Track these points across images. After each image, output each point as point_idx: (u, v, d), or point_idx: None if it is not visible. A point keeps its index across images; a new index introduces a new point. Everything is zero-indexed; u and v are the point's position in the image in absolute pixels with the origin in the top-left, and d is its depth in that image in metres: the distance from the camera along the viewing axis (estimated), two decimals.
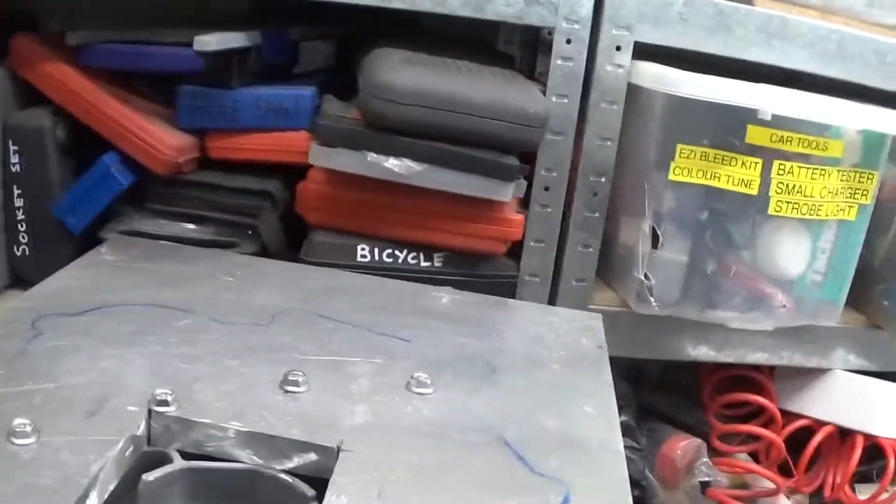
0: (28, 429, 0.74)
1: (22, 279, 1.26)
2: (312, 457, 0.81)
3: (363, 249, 1.24)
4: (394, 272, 1.24)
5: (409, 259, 1.26)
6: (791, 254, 1.28)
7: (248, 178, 1.30)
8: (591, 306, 1.34)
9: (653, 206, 1.25)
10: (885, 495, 1.46)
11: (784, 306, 1.30)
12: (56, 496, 0.68)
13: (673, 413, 1.59)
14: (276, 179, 1.31)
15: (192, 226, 1.28)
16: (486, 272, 1.28)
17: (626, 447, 1.30)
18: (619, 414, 1.23)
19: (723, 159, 1.21)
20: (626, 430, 1.36)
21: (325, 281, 1.15)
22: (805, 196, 1.23)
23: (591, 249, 1.32)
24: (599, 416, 0.92)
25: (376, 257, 1.25)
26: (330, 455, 0.80)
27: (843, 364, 1.44)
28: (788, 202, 1.22)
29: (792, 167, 1.22)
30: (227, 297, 1.05)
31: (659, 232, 1.25)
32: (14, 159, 1.22)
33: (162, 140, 1.22)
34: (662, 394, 1.60)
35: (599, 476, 0.82)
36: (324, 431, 0.82)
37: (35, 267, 1.24)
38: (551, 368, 1.00)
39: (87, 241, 1.23)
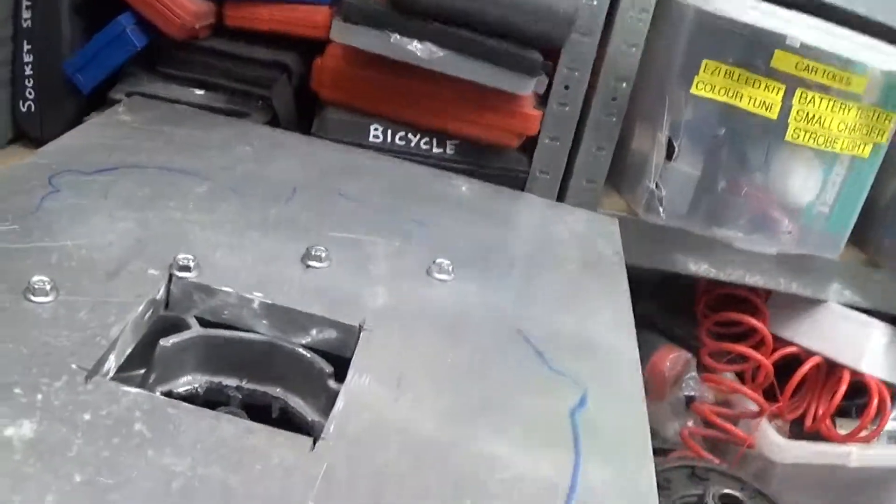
0: (47, 286, 0.70)
1: (25, 135, 1.21)
2: (332, 334, 0.77)
3: (376, 130, 1.20)
4: (405, 155, 1.20)
5: (421, 144, 1.22)
6: (802, 182, 1.25)
7: (263, 48, 1.25)
8: (599, 210, 1.30)
9: (671, 118, 1.21)
10: (864, 433, 1.44)
11: (789, 232, 1.27)
12: (73, 357, 0.65)
13: (666, 325, 1.56)
14: (293, 52, 1.25)
15: (202, 92, 1.22)
16: (497, 164, 1.24)
17: None
18: None
19: (746, 80, 1.17)
20: None
21: (342, 158, 1.11)
22: (823, 127, 1.19)
23: (604, 152, 1.28)
24: (616, 324, 0.89)
25: (388, 139, 1.20)
26: (351, 333, 0.77)
27: (838, 297, 1.42)
28: (806, 131, 1.19)
29: (813, 97, 1.18)
30: (245, 168, 1.00)
31: (675, 143, 1.21)
32: (26, 14, 1.16)
33: (180, 4, 1.16)
34: (656, 303, 1.57)
35: (616, 383, 0.80)
36: (345, 309, 0.78)
37: (39, 123, 1.20)
38: (568, 270, 0.96)
39: (94, 100, 1.18)
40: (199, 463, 0.59)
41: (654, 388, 1.45)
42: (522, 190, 1.25)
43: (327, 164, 1.07)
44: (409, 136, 1.21)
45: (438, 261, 0.88)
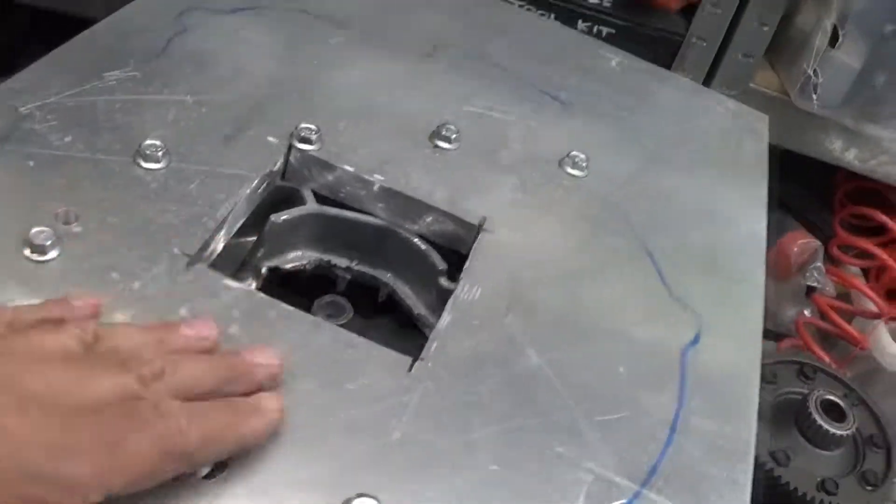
0: (159, 152, 0.65)
1: None
2: (450, 228, 0.72)
3: None
4: (560, 2, 1.14)
5: None
6: None
7: None
8: (751, 85, 1.22)
9: (840, 5, 1.11)
10: None
11: None
12: (177, 239, 0.60)
13: (800, 207, 1.47)
14: None
15: None
16: (653, 24, 1.17)
17: None
18: None
19: None
20: None
21: (491, 13, 1.02)
22: None
23: (766, 28, 1.18)
24: (749, 241, 0.82)
25: None
26: (470, 231, 0.72)
27: None
28: None
29: None
30: (387, 17, 0.93)
31: (840, 31, 1.11)
32: None
33: None
34: (794, 184, 1.48)
35: (734, 312, 0.73)
36: (468, 202, 0.73)
37: None
38: (708, 172, 0.88)
39: None
40: (291, 375, 0.55)
41: (778, 270, 1.37)
42: (675, 55, 1.18)
43: (475, 18, 0.99)
44: None
45: (573, 153, 0.81)
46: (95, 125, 0.67)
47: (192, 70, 0.75)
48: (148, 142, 0.65)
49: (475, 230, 0.71)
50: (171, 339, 0.52)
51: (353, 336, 0.59)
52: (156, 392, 0.47)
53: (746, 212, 0.85)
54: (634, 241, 0.76)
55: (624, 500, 0.55)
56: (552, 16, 1.14)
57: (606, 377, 0.63)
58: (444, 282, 0.69)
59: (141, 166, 0.65)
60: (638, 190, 0.82)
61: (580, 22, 1.14)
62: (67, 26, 0.77)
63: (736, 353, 0.70)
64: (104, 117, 0.68)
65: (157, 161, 0.65)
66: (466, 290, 0.65)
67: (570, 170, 0.80)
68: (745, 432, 0.63)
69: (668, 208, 0.81)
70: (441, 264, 0.70)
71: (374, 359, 0.58)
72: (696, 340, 0.69)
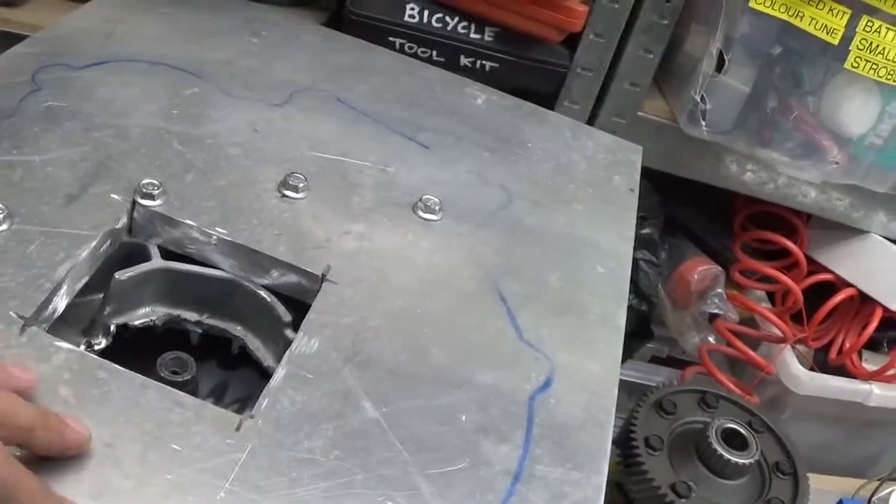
0: (1, 215, 0.70)
1: None
2: (294, 279, 0.78)
3: (412, 9, 1.17)
4: (441, 38, 1.18)
5: (458, 27, 1.19)
6: (857, 112, 1.20)
7: None
8: (640, 113, 1.28)
9: (725, 29, 1.16)
10: (891, 371, 1.42)
11: (837, 163, 1.23)
12: (14, 302, 0.66)
13: (700, 233, 1.53)
14: None
15: None
16: (536, 56, 1.21)
17: (644, 261, 1.28)
18: (644, 226, 1.20)
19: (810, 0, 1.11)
20: (649, 244, 1.32)
21: (357, 57, 1.08)
22: (886, 59, 1.13)
23: (651, 56, 1.24)
24: (610, 280, 0.87)
25: (425, 20, 1.18)
26: (313, 281, 0.77)
27: (882, 230, 1.37)
28: (868, 61, 1.13)
29: (880, 26, 1.12)
30: (245, 64, 0.99)
31: (726, 56, 1.17)
32: None
33: None
34: (694, 210, 1.54)
35: (590, 356, 0.78)
36: (312, 253, 0.78)
37: None
38: (573, 209, 0.94)
39: None
40: (118, 437, 0.60)
41: (679, 297, 1.43)
42: (562, 86, 1.24)
43: (338, 63, 1.05)
44: (447, 18, 1.18)
45: (426, 197, 0.86)
46: None
47: (42, 128, 0.81)
48: None
49: (319, 280, 0.76)
50: None
51: (183, 395, 0.64)
52: None
53: (610, 250, 0.90)
54: (487, 285, 0.81)
55: None
56: (434, 52, 1.19)
57: (447, 427, 0.67)
58: (289, 333, 0.75)
59: None
60: (495, 231, 0.87)
61: (462, 57, 1.19)
62: None
63: (589, 397, 0.74)
64: None
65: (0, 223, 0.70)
66: (304, 343, 0.70)
67: (422, 214, 0.86)
68: (594, 479, 0.67)
69: (527, 249, 0.86)
70: (286, 316, 0.76)
71: (202, 418, 0.63)
72: (546, 385, 0.73)
